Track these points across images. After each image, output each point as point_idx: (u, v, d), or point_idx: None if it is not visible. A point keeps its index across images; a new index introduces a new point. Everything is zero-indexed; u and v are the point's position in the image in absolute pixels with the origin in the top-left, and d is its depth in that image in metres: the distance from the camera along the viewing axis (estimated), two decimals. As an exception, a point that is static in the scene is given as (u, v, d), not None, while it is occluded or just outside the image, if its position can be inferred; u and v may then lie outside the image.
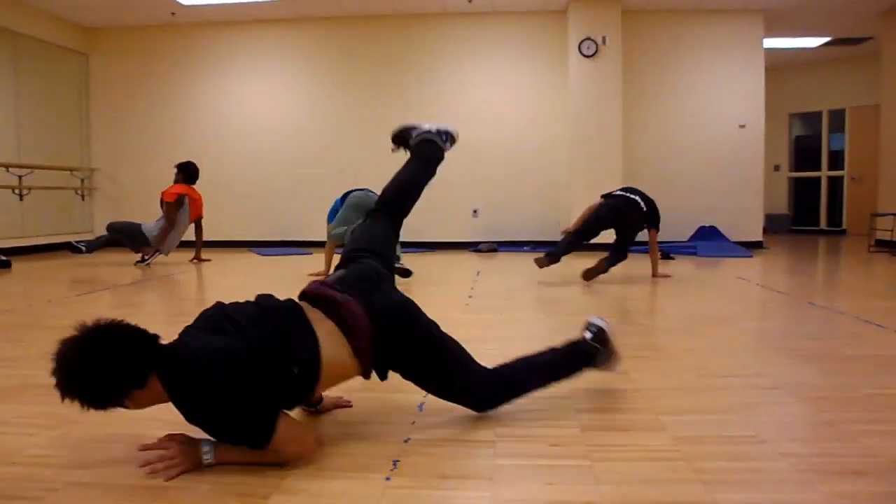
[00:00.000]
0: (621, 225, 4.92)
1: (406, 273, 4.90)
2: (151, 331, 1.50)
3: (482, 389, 1.81)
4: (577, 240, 4.92)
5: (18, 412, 1.91)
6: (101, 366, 1.39)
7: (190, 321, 1.60)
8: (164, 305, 4.18)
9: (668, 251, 6.78)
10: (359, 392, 2.07)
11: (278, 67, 8.44)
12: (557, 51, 7.95)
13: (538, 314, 3.54)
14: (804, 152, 11.00)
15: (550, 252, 4.87)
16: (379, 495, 1.37)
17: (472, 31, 8.13)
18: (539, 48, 8.10)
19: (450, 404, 1.83)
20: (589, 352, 1.98)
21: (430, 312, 1.77)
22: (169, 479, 1.44)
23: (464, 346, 1.81)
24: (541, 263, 4.84)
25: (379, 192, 2.16)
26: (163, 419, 1.82)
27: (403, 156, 2.26)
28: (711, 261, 6.35)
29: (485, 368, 1.82)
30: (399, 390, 2.10)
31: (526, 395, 1.88)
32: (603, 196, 5.06)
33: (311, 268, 5.57)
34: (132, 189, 8.63)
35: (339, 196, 5.30)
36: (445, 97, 8.18)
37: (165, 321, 3.19)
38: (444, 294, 4.41)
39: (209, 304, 1.63)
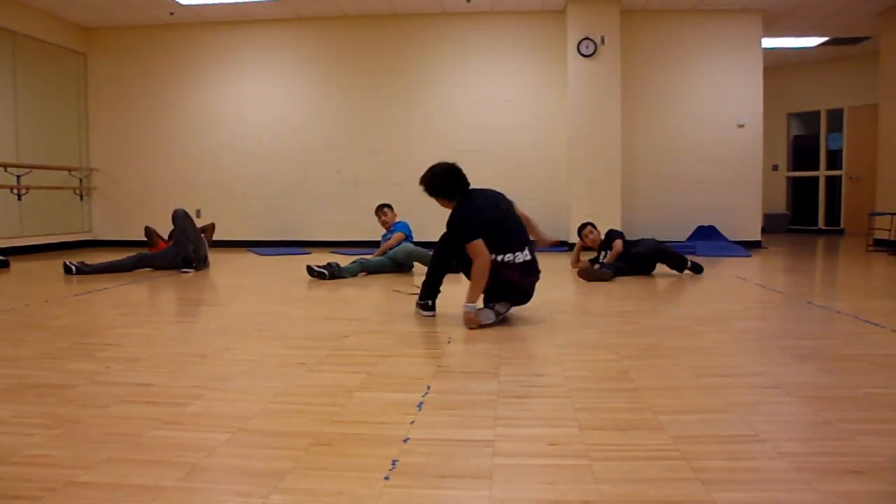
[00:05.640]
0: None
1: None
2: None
3: None
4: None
5: (17, 412, 1.91)
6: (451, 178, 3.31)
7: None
8: (164, 305, 4.17)
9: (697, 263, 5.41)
10: (358, 392, 2.08)
11: (276, 67, 8.43)
12: (556, 50, 7.95)
13: (534, 314, 3.53)
14: (802, 152, 11.01)
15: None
16: (378, 494, 1.37)
17: (471, 30, 8.13)
18: (537, 48, 8.10)
19: (449, 405, 1.86)
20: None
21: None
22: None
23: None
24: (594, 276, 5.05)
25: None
26: (161, 419, 1.82)
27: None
28: (710, 260, 6.35)
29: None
30: (398, 390, 2.10)
31: None
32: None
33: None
34: (131, 189, 8.64)
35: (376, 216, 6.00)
36: (444, 97, 8.19)
37: (166, 321, 3.17)
38: (445, 292, 4.40)
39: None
